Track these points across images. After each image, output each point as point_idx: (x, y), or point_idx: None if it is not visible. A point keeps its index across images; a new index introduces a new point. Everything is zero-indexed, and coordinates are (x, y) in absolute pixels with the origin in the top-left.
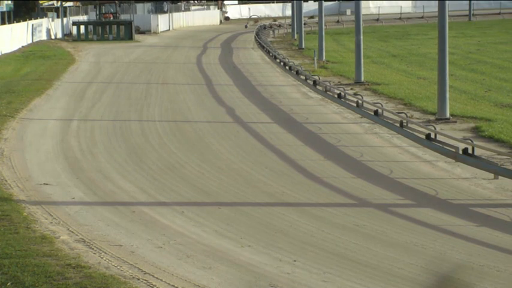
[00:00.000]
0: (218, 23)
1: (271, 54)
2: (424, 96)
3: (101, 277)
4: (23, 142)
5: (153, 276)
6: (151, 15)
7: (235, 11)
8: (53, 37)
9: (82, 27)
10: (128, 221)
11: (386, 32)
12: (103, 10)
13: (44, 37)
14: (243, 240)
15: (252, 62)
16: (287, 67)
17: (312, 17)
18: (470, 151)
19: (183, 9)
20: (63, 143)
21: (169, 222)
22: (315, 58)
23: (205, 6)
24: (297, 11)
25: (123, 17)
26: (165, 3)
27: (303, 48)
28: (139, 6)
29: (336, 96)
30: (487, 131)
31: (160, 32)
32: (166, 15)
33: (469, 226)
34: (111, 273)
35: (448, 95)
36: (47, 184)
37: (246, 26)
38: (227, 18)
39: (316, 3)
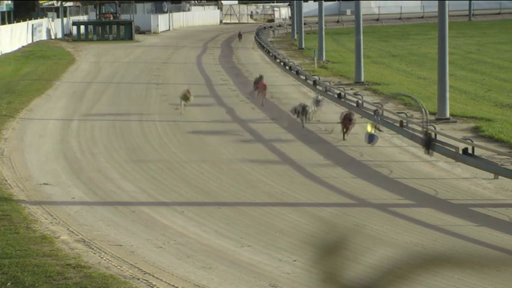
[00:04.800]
0: (218, 23)
1: (271, 54)
2: (424, 96)
3: (101, 277)
4: (23, 142)
5: (153, 276)
6: (151, 15)
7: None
8: (53, 37)
9: (82, 27)
10: (128, 221)
11: (386, 32)
12: (103, 10)
13: (44, 37)
14: (243, 240)
15: (252, 62)
16: (287, 67)
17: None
18: (470, 151)
19: (185, 9)
20: (63, 143)
21: (169, 222)
22: (315, 58)
23: (205, 7)
24: (297, 11)
25: (123, 17)
26: (165, 3)
27: (303, 48)
28: (139, 6)
29: (336, 96)
30: (487, 131)
31: (160, 32)
32: (166, 15)
33: (469, 226)
34: (111, 273)
35: (448, 95)
36: (47, 184)
37: None
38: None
39: (316, 3)
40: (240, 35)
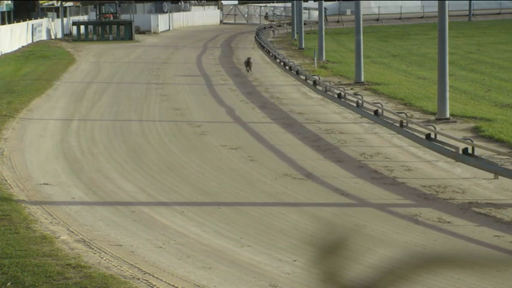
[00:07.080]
0: (218, 23)
1: (271, 54)
2: (424, 96)
3: (101, 277)
4: (23, 142)
5: (153, 276)
6: (151, 15)
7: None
8: (53, 37)
9: (82, 27)
10: (128, 221)
11: (386, 32)
12: (103, 10)
13: (44, 37)
14: (243, 240)
15: (252, 62)
16: (287, 67)
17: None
18: (470, 151)
19: (185, 9)
20: (63, 143)
21: (169, 222)
22: (315, 58)
23: (205, 7)
24: (297, 10)
25: (123, 17)
26: (165, 3)
27: (303, 48)
28: (139, 6)
29: (336, 96)
30: (487, 131)
31: (160, 32)
32: (166, 15)
33: (469, 226)
34: (111, 273)
35: (448, 95)
36: (47, 184)
37: None
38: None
39: (316, 3)
40: (248, 63)
